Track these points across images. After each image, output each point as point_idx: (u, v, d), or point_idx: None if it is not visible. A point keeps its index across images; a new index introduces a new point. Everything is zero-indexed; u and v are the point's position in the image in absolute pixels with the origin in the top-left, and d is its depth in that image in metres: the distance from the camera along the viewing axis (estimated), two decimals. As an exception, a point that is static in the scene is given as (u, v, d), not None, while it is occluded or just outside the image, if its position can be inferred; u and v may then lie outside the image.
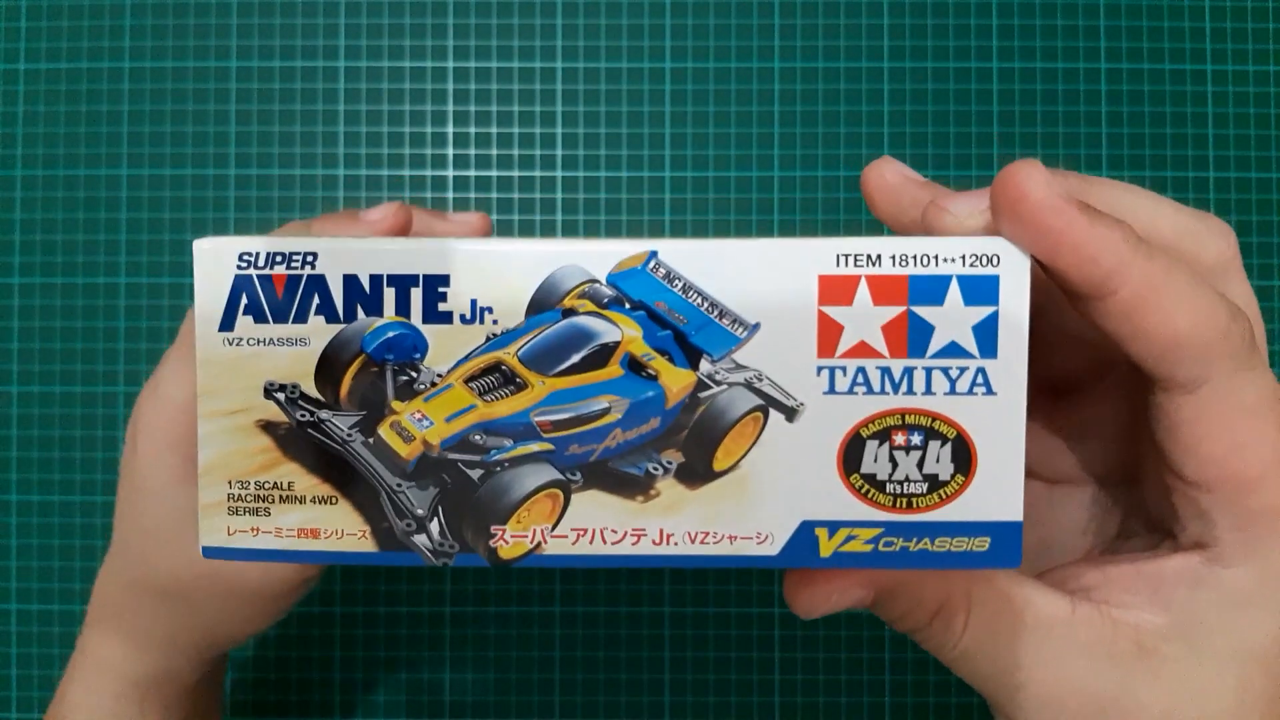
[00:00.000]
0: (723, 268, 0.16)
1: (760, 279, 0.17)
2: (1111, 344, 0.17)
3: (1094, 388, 0.20)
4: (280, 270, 0.17)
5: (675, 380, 0.17)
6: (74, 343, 0.38)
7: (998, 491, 0.17)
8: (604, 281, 0.17)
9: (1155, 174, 0.38)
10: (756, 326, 0.16)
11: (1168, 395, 0.16)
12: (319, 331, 0.18)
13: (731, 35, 0.38)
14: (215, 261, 0.18)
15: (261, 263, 0.17)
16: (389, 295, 0.18)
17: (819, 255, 0.16)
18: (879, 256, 0.16)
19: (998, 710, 0.19)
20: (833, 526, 0.17)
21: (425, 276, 0.17)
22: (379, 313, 0.18)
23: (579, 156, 0.38)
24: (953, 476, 0.17)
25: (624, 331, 0.17)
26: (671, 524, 0.17)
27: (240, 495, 0.18)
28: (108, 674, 0.26)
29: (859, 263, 0.16)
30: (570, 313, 0.17)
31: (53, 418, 0.38)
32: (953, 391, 0.16)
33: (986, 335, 0.16)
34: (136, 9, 0.38)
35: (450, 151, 0.38)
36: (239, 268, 0.17)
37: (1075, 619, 0.18)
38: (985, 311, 0.16)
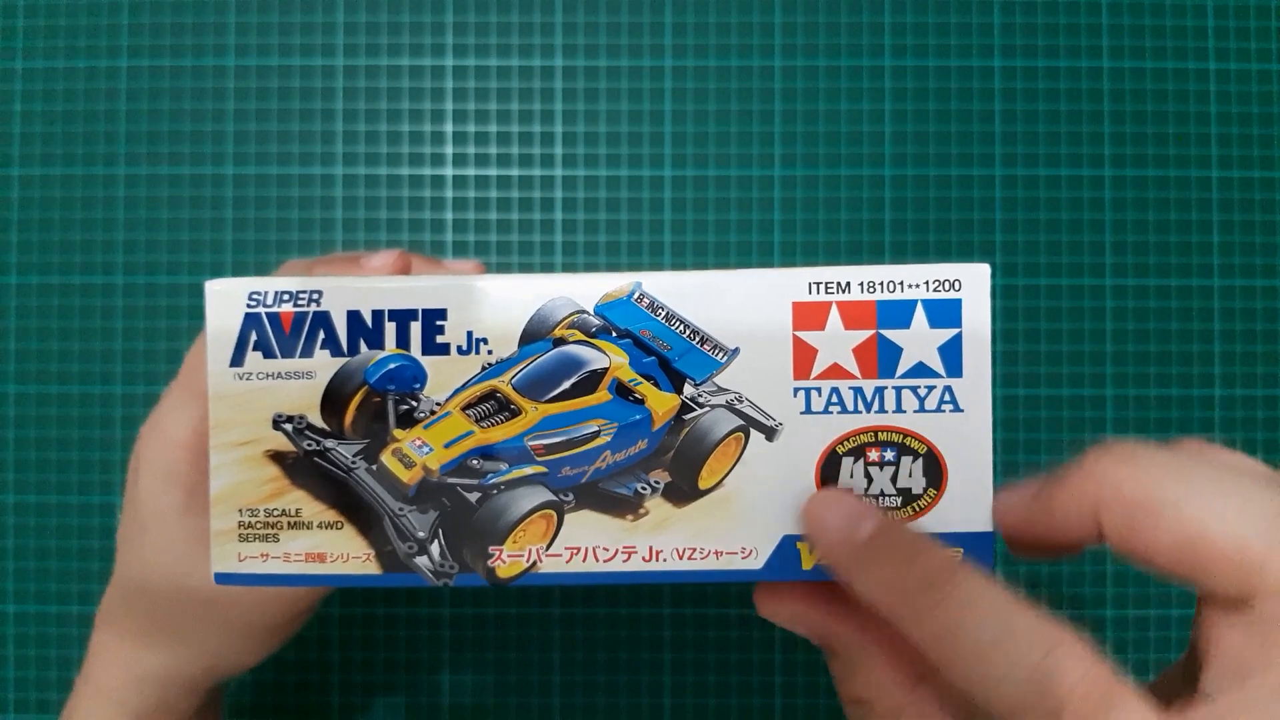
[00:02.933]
0: (702, 297, 0.18)
1: (738, 307, 0.18)
2: None
3: None
4: (287, 308, 0.19)
5: (661, 404, 0.18)
6: (71, 343, 0.38)
7: (968, 503, 0.18)
8: (592, 312, 0.18)
9: (1158, 173, 0.37)
10: (736, 351, 0.17)
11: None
12: (324, 365, 0.19)
13: (732, 33, 0.38)
14: (226, 301, 0.19)
15: (270, 301, 0.19)
16: (390, 329, 0.19)
17: (792, 284, 0.17)
18: (848, 284, 0.18)
19: None
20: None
21: (424, 311, 0.19)
22: (381, 346, 0.19)
23: (579, 156, 0.38)
24: (925, 490, 0.18)
25: (611, 359, 0.18)
26: (660, 541, 0.18)
27: (250, 523, 0.19)
28: (109, 704, 0.27)
29: (830, 290, 0.18)
30: (560, 342, 0.18)
31: (50, 418, 0.37)
32: (922, 409, 0.17)
33: (952, 355, 0.17)
34: (134, 7, 0.38)
35: (450, 151, 0.38)
36: (249, 306, 0.18)
37: None
38: (949, 334, 0.17)
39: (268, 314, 0.19)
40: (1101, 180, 0.38)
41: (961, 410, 0.17)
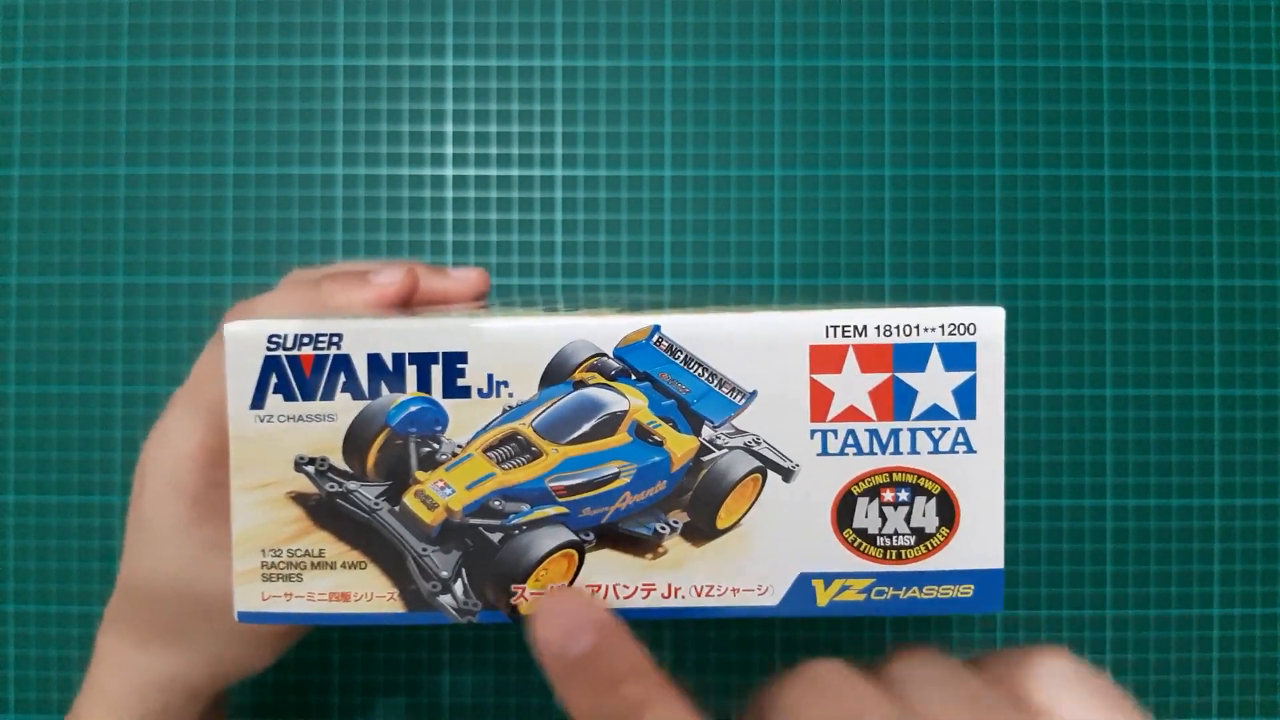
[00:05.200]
0: (720, 340, 0.18)
1: (756, 350, 0.18)
2: None
3: None
4: (308, 351, 0.19)
5: (679, 446, 0.18)
6: (71, 343, 0.38)
7: (980, 542, 0.18)
8: (611, 355, 0.18)
9: (1157, 173, 0.37)
10: (753, 394, 0.18)
11: None
12: (345, 408, 0.19)
13: (732, 33, 0.38)
14: (246, 344, 0.19)
15: (290, 344, 0.19)
16: (410, 372, 0.19)
17: (809, 327, 0.18)
18: (865, 327, 0.18)
19: None
20: (828, 578, 0.18)
21: (445, 354, 0.19)
22: (401, 389, 0.19)
23: (579, 156, 0.38)
24: (938, 529, 0.18)
25: (630, 401, 0.18)
26: (679, 579, 0.19)
27: (273, 563, 0.19)
28: (113, 709, 0.27)
29: (846, 333, 0.18)
30: (580, 385, 0.19)
31: (51, 418, 0.37)
32: (936, 451, 0.18)
33: (966, 398, 0.17)
34: (135, 7, 0.38)
35: (450, 151, 0.38)
36: (268, 349, 0.19)
37: None
38: (964, 376, 0.17)
39: (288, 357, 0.19)
40: (1101, 180, 0.38)
41: (974, 451, 0.18)
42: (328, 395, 0.19)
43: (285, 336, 0.19)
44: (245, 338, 0.19)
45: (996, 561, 0.18)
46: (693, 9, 0.38)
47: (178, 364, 0.38)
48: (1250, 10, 0.38)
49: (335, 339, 0.19)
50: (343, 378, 0.19)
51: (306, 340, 0.19)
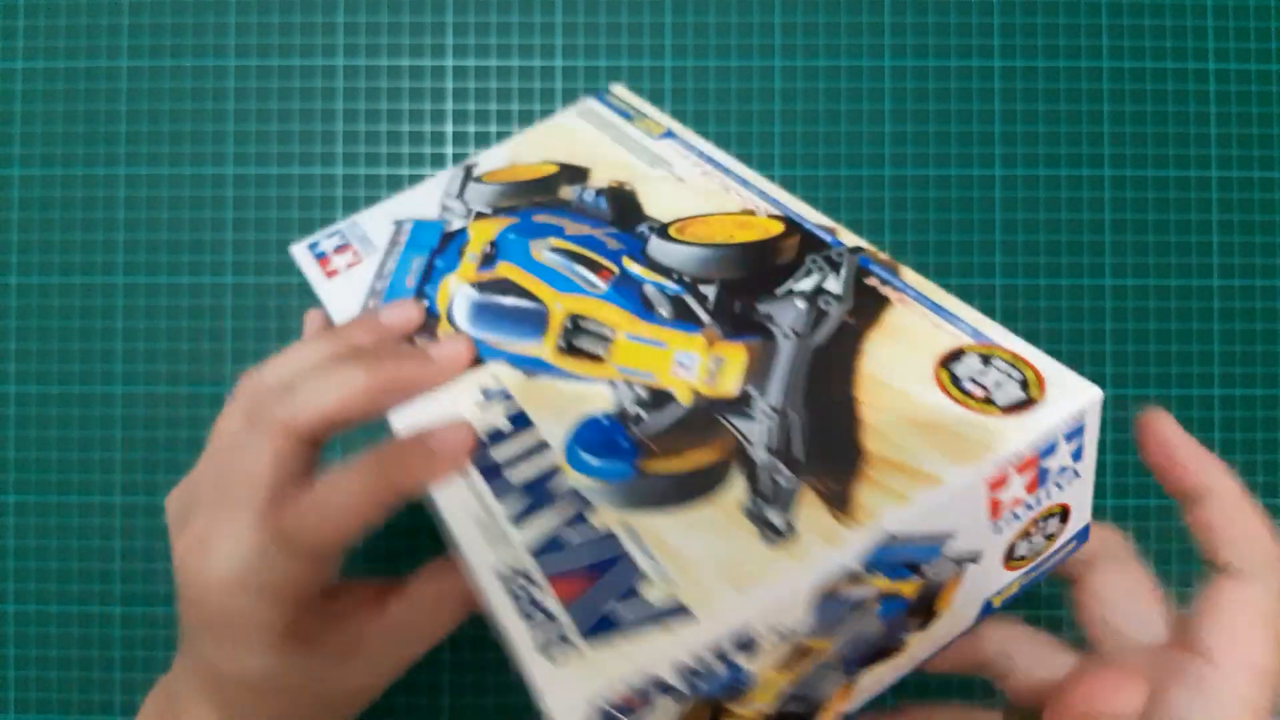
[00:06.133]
0: (925, 519, 0.21)
1: (951, 506, 0.22)
2: None
3: None
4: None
5: (909, 589, 0.22)
6: (71, 343, 0.38)
7: (1078, 524, 0.24)
8: (861, 568, 0.21)
9: (1157, 173, 0.37)
10: (951, 535, 0.22)
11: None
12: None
13: (732, 33, 0.38)
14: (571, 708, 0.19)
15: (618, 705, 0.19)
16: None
17: (986, 471, 0.22)
18: (1020, 454, 0.22)
19: None
20: (999, 592, 0.24)
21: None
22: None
23: (579, 156, 0.38)
24: (1060, 529, 0.24)
25: (879, 586, 0.22)
26: (912, 653, 0.24)
27: None
28: None
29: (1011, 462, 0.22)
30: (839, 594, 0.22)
31: (50, 418, 0.37)
32: (1061, 489, 0.23)
33: (1078, 452, 0.22)
34: (134, 7, 0.38)
35: (450, 151, 0.38)
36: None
37: None
38: (1077, 443, 0.22)
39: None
40: (1101, 180, 0.38)
41: (1079, 476, 0.23)
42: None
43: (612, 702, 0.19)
44: (569, 707, 0.18)
45: (1086, 521, 0.24)
46: (692, 9, 0.38)
47: (178, 364, 0.38)
48: (1250, 10, 0.38)
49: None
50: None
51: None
